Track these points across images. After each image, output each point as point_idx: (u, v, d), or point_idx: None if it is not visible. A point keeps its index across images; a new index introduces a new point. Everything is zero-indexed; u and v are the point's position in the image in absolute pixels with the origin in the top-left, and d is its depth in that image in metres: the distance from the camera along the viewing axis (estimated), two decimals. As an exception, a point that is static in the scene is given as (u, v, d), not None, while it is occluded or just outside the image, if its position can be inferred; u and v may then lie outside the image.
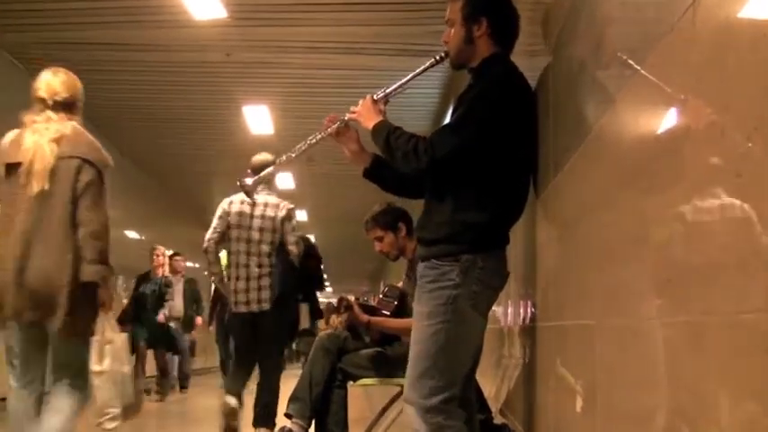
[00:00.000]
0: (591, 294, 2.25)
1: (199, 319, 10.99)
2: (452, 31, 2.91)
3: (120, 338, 3.69)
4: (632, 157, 1.86)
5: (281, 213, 5.48)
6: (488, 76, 2.81)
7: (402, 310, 4.40)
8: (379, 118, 2.97)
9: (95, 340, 3.55)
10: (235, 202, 5.52)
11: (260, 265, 5.44)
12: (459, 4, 2.89)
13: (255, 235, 5.45)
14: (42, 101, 3.56)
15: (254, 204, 5.44)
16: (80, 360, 3.54)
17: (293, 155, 3.22)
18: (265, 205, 5.48)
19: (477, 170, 2.73)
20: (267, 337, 5.46)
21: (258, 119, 10.27)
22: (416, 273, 2.90)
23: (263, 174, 3.16)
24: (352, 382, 4.45)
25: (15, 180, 3.48)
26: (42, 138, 3.49)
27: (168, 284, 10.17)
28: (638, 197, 1.79)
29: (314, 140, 3.17)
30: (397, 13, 7.14)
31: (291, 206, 5.59)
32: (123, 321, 8.98)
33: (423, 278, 2.80)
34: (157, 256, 10.27)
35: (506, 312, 4.13)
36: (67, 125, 3.56)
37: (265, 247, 5.45)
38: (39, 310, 3.42)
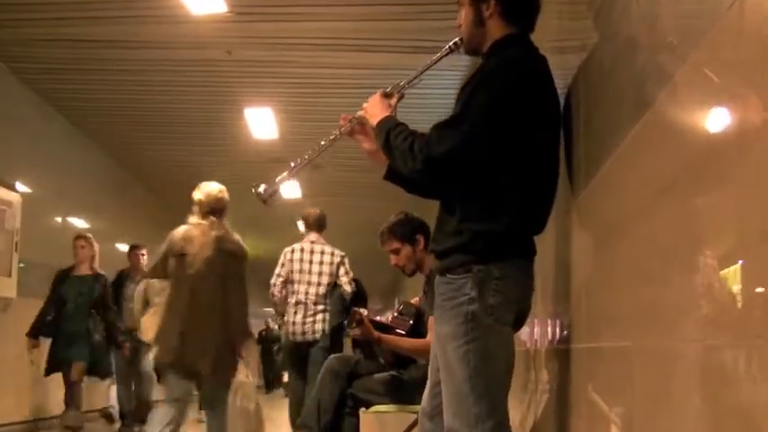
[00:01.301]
0: (628, 313, 2.23)
1: None
2: (463, 12, 2.88)
3: (250, 382, 5.37)
4: (674, 163, 1.84)
5: (336, 260, 7.27)
6: (495, 61, 2.75)
7: (418, 329, 4.39)
8: (386, 113, 2.95)
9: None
10: (296, 251, 7.29)
11: (316, 303, 7.16)
12: None
13: (314, 278, 7.20)
14: (202, 206, 5.33)
15: (312, 252, 7.26)
16: (221, 397, 5.22)
17: (307, 158, 3.21)
18: (322, 253, 7.28)
19: (485, 172, 2.66)
20: (317, 364, 6.30)
21: (261, 122, 10.27)
22: (434, 289, 2.88)
23: (277, 181, 3.18)
24: (364, 409, 4.44)
25: (183, 265, 5.18)
26: (206, 236, 5.25)
27: (99, 284, 8.48)
28: (680, 207, 1.77)
29: (328, 141, 3.16)
30: (411, 7, 7.12)
31: (344, 254, 7.35)
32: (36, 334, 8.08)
33: (440, 296, 2.79)
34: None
35: (533, 332, 4.10)
36: (221, 227, 5.33)
37: (322, 289, 7.19)
38: (194, 358, 5.08)
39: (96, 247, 8.57)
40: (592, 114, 2.75)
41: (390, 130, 2.82)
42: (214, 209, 5.32)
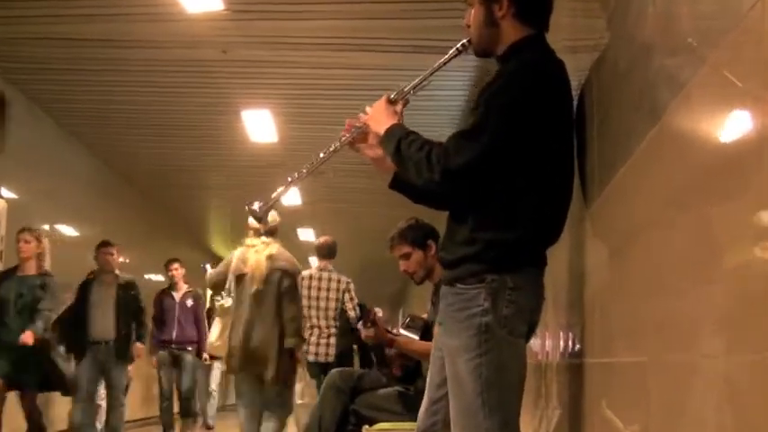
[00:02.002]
0: (644, 327, 2.23)
1: (139, 346, 8.79)
2: (472, 12, 2.87)
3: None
4: (691, 170, 1.84)
5: (342, 286, 8.38)
6: (513, 65, 2.75)
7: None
8: (393, 121, 2.94)
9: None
10: (305, 278, 8.21)
11: (328, 327, 8.32)
12: None
13: (323, 303, 8.32)
14: (257, 230, 6.40)
15: (320, 279, 8.37)
16: (283, 398, 6.52)
17: (305, 171, 3.20)
18: (329, 280, 8.39)
19: (501, 181, 2.67)
20: None
21: (259, 124, 10.26)
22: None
23: (273, 197, 3.18)
24: (367, 427, 4.44)
25: (242, 284, 6.35)
26: (260, 255, 6.36)
27: (44, 285, 7.54)
28: (698, 215, 1.77)
29: (329, 152, 3.15)
30: (416, 4, 7.12)
31: (349, 280, 8.46)
32: None
33: (449, 306, 2.79)
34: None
35: (544, 345, 4.10)
36: (273, 246, 6.43)
37: (331, 313, 8.33)
38: (258, 366, 6.28)
39: (46, 243, 7.77)
40: (606, 119, 2.76)
41: (401, 139, 2.82)
42: (266, 231, 6.44)
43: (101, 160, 12.14)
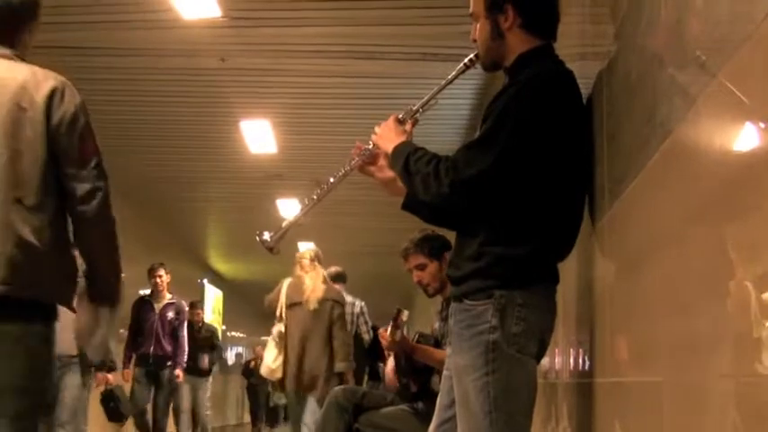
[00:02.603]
0: (658, 346, 2.23)
1: (99, 377, 8.11)
2: (478, 26, 2.89)
3: None
4: (705, 185, 1.85)
5: (356, 310, 9.06)
6: (523, 76, 2.77)
7: (435, 360, 4.40)
8: (401, 139, 2.96)
9: None
10: None
11: None
12: None
13: None
14: (311, 260, 7.43)
15: None
16: None
17: (316, 198, 3.24)
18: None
19: (511, 194, 2.69)
20: None
21: (258, 135, 10.27)
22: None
23: (283, 226, 3.22)
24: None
25: (294, 311, 7.24)
26: (314, 282, 7.33)
27: None
28: (713, 232, 1.78)
29: (339, 176, 3.18)
30: (419, 11, 7.11)
31: (363, 303, 9.17)
32: None
33: (457, 324, 2.80)
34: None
35: (553, 364, 4.10)
36: (322, 274, 7.51)
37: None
38: (309, 387, 7.11)
39: None
40: (616, 130, 2.76)
41: (410, 155, 2.83)
42: (312, 258, 7.48)
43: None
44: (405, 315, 4.80)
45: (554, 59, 2.85)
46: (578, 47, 3.47)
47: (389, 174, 3.09)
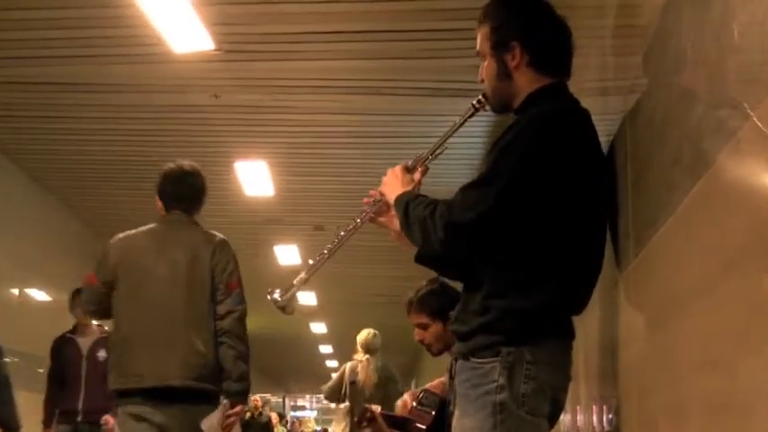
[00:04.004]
0: (691, 405, 2.22)
1: None
2: (485, 65, 2.92)
3: None
4: (741, 231, 1.85)
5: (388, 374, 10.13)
6: (530, 114, 2.78)
7: (442, 423, 4.36)
8: (405, 188, 2.97)
9: None
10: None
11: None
12: (485, 31, 2.90)
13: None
14: (362, 346, 9.07)
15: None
16: None
17: (327, 253, 3.27)
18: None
19: (515, 239, 2.68)
20: None
21: (255, 177, 10.31)
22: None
23: (294, 283, 3.23)
24: None
25: (355, 391, 8.79)
26: (369, 368, 8.94)
27: None
28: (749, 282, 1.77)
29: (350, 229, 3.21)
30: (426, 43, 7.09)
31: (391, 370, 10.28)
32: None
33: (462, 383, 2.80)
34: None
35: (576, 421, 4.08)
36: (378, 360, 9.06)
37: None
38: None
39: None
40: (641, 172, 2.77)
41: (409, 203, 2.85)
42: (370, 348, 9.12)
43: (77, 218, 12.12)
44: (376, 409, 4.85)
45: (567, 98, 2.86)
46: (598, 81, 3.49)
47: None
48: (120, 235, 5.27)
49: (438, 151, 3.13)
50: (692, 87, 2.24)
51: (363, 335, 9.30)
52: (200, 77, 7.87)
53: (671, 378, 2.42)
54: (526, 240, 2.68)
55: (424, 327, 4.50)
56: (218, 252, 5.02)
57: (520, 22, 2.88)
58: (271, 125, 9.00)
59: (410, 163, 3.10)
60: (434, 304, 4.46)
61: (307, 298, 15.83)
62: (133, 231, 5.27)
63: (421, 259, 3.05)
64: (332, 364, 27.93)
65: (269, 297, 3.37)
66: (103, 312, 5.19)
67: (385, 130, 8.69)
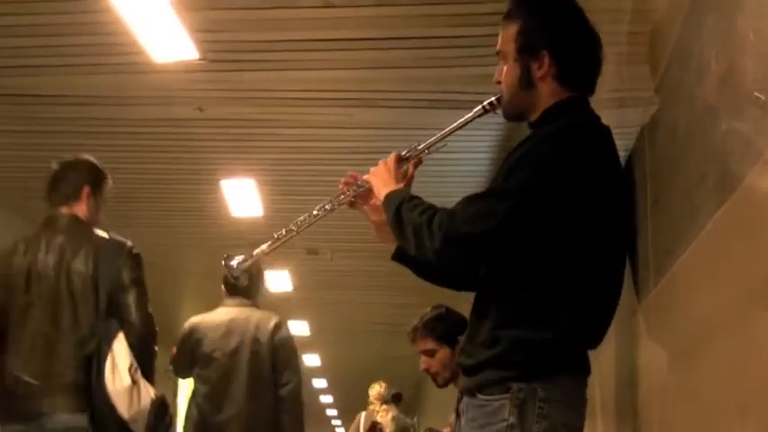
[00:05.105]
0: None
1: None
2: (505, 68, 2.87)
3: None
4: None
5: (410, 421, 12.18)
6: (549, 127, 2.75)
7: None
8: (398, 184, 2.94)
9: None
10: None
11: None
12: (511, 31, 2.84)
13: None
14: (380, 399, 11.20)
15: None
16: None
17: (295, 230, 3.23)
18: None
19: (525, 262, 2.66)
20: None
21: (242, 195, 10.33)
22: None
23: (255, 254, 3.21)
24: None
25: None
26: (386, 418, 10.70)
27: None
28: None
29: (322, 211, 3.16)
30: (425, 51, 7.11)
31: (414, 421, 12.03)
32: None
33: (470, 422, 2.78)
34: None
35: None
36: (393, 411, 11.01)
37: None
38: None
39: None
40: (661, 193, 2.74)
41: (403, 202, 2.82)
42: (386, 399, 10.88)
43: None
44: (383, 429, 4.85)
45: (589, 113, 2.83)
46: (615, 92, 3.46)
47: (382, 216, 3.02)
48: None
49: (436, 147, 3.09)
50: (717, 100, 2.21)
51: (376, 388, 11.18)
52: (184, 89, 7.89)
53: (694, 418, 2.40)
54: (539, 263, 2.66)
55: (430, 353, 4.51)
56: (278, 330, 6.51)
57: (552, 28, 2.83)
58: (260, 140, 9.03)
59: (404, 153, 3.06)
60: (440, 328, 4.48)
61: (299, 328, 15.78)
62: None
63: (399, 258, 3.04)
64: (326, 399, 27.92)
65: (223, 263, 3.41)
66: None
67: (381, 145, 8.61)
